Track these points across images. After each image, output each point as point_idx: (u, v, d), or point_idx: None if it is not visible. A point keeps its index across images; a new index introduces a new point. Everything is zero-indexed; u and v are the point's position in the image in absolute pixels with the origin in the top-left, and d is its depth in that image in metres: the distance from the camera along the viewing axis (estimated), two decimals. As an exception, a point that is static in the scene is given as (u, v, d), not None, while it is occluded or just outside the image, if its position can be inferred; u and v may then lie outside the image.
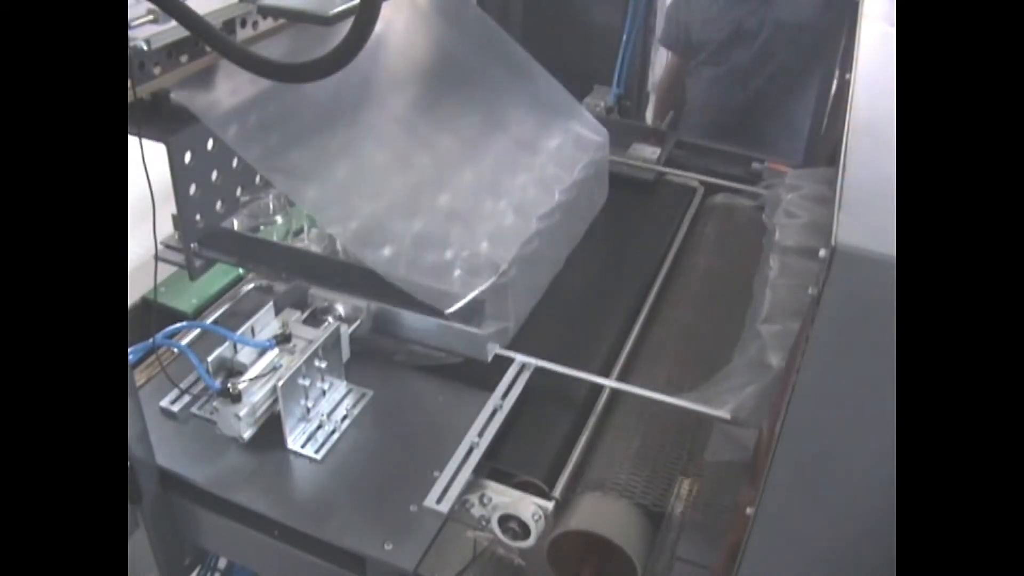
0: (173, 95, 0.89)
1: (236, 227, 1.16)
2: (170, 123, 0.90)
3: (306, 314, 1.05)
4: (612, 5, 1.78)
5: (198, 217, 0.99)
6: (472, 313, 1.01)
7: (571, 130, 1.36)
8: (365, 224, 1.03)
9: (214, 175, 0.99)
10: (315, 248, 1.20)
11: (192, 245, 1.02)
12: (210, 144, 0.96)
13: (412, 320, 1.04)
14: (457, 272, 1.03)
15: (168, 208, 0.98)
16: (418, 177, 1.15)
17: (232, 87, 0.94)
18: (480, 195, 1.16)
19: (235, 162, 1.01)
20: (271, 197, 1.19)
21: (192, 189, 0.96)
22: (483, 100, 1.29)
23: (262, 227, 1.19)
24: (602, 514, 0.91)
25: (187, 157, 0.93)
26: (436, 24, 1.28)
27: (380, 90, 1.18)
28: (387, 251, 1.03)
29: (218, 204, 1.02)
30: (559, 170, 1.27)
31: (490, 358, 1.03)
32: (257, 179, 1.08)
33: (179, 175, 0.93)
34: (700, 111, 2.09)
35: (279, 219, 1.21)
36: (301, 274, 1.10)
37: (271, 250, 1.15)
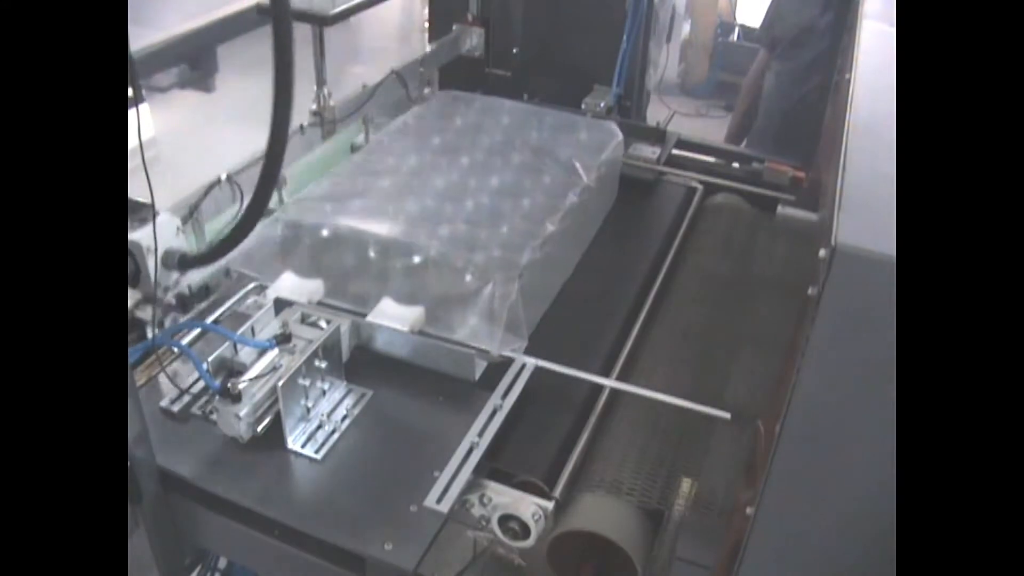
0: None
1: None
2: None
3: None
4: (612, 5, 1.78)
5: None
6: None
7: (585, 132, 1.40)
8: (397, 231, 1.08)
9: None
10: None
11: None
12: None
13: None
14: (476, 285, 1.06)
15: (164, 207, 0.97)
16: (440, 191, 1.22)
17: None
18: (495, 203, 1.20)
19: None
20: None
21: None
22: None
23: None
24: (602, 514, 0.91)
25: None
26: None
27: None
28: (416, 259, 1.06)
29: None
30: (573, 174, 1.28)
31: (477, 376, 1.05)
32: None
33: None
34: (769, 104, 2.27)
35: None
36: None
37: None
